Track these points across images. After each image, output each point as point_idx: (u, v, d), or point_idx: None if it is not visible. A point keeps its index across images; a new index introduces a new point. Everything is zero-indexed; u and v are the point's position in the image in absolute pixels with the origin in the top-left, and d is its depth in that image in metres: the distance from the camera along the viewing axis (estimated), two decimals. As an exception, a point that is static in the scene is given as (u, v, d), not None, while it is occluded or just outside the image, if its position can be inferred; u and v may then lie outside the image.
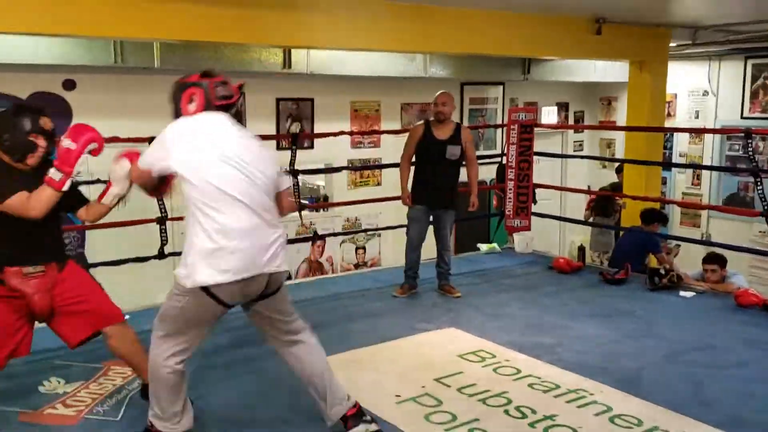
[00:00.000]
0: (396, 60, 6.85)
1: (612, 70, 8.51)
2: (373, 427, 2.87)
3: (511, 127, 6.22)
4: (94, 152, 2.78)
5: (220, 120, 2.70)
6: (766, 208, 4.86)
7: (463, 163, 4.92)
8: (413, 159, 4.95)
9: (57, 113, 5.82)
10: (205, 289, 2.56)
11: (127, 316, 4.46)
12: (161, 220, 4.63)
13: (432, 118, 4.90)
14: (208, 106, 2.70)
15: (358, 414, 2.87)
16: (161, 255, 4.65)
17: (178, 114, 2.76)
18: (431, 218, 4.96)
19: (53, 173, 2.72)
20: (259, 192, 2.65)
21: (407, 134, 5.07)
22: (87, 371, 3.61)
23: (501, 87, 8.61)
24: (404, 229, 6.16)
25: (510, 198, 6.25)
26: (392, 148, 7.60)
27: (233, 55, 5.97)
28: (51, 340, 4.03)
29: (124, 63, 5.55)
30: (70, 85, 5.93)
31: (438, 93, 4.91)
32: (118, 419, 3.11)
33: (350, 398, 2.89)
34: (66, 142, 2.75)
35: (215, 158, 2.57)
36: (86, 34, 4.56)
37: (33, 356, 3.78)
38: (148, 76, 6.06)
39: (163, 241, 4.68)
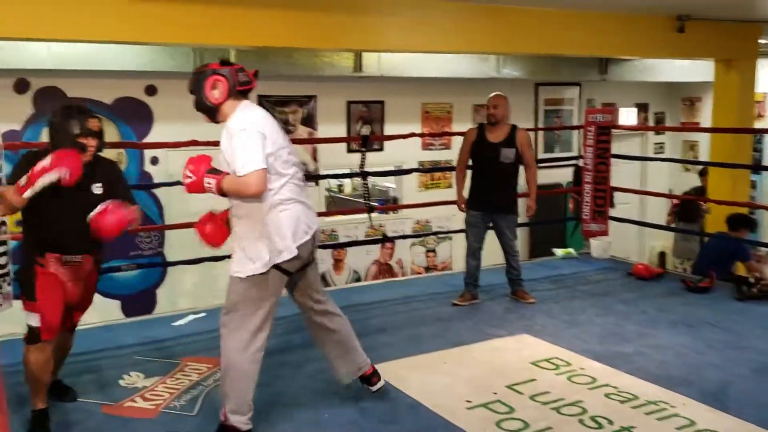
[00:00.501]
0: (468, 61, 6.79)
1: (695, 69, 8.14)
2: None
3: (588, 128, 6.05)
4: (63, 181, 2.63)
5: (262, 110, 2.96)
6: None
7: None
8: (469, 163, 4.87)
9: (139, 117, 6.09)
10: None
11: (203, 314, 4.63)
12: (236, 221, 4.72)
13: (486, 121, 4.81)
14: (231, 92, 2.83)
15: (376, 371, 3.28)
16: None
17: (202, 102, 2.87)
18: (490, 224, 4.85)
19: (22, 179, 2.62)
20: None
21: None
22: (164, 367, 3.73)
23: (577, 87, 8.39)
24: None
25: (587, 202, 6.07)
26: (464, 150, 7.55)
27: (305, 59, 6.06)
28: (131, 336, 4.21)
29: (204, 69, 5.71)
30: (151, 90, 6.16)
31: (491, 95, 4.81)
32: (194, 414, 3.19)
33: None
34: (44, 162, 2.61)
35: (284, 141, 2.92)
36: (168, 41, 4.74)
37: (114, 351, 3.97)
38: (225, 80, 6.23)
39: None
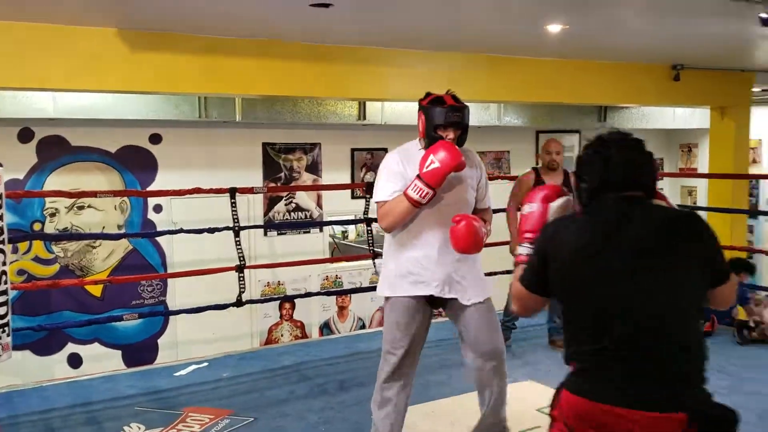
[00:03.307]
0: (471, 109, 6.87)
1: (692, 117, 8.27)
2: None
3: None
4: None
5: None
6: None
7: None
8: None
9: (144, 165, 6.17)
10: None
11: (205, 363, 4.61)
12: (240, 268, 4.75)
13: (540, 166, 4.83)
14: None
15: None
16: (239, 303, 4.77)
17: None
18: None
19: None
20: None
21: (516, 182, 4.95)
22: (166, 417, 3.70)
23: (577, 135, 8.51)
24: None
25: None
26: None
27: (310, 108, 6.18)
28: (132, 387, 4.19)
29: (207, 117, 5.83)
30: (155, 139, 6.26)
31: (548, 140, 4.84)
32: (197, 465, 3.16)
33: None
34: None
35: None
36: (172, 91, 4.85)
37: (115, 402, 3.94)
38: (230, 129, 6.34)
39: (242, 289, 4.80)
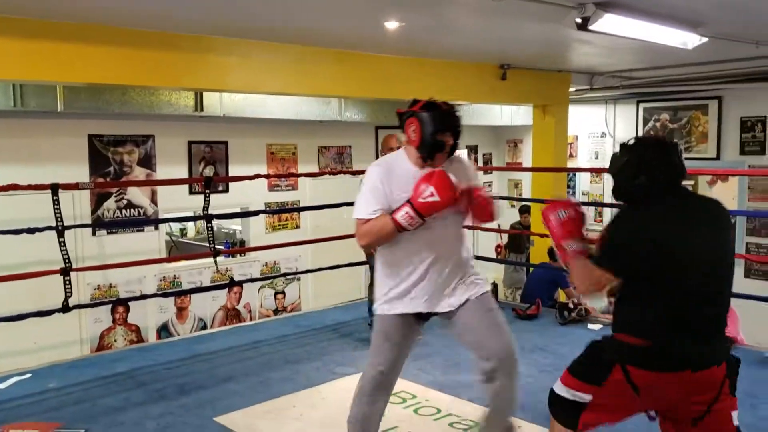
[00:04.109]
0: (312, 103, 6.90)
1: (517, 114, 8.90)
2: None
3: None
4: None
5: None
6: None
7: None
8: None
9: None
10: None
11: (27, 375, 4.22)
12: (65, 271, 4.37)
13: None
14: None
15: None
16: (65, 308, 4.39)
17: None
18: None
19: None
20: None
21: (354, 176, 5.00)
22: (-19, 437, 3.34)
23: (413, 130, 8.81)
24: (324, 272, 6.14)
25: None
26: (310, 190, 7.61)
27: (142, 98, 5.84)
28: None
29: (24, 107, 5.32)
30: (-36, 129, 5.61)
31: (387, 136, 4.90)
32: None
33: None
34: None
35: None
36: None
37: None
38: (51, 120, 5.83)
39: (68, 294, 4.42)
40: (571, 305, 5.45)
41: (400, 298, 2.79)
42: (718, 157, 7.56)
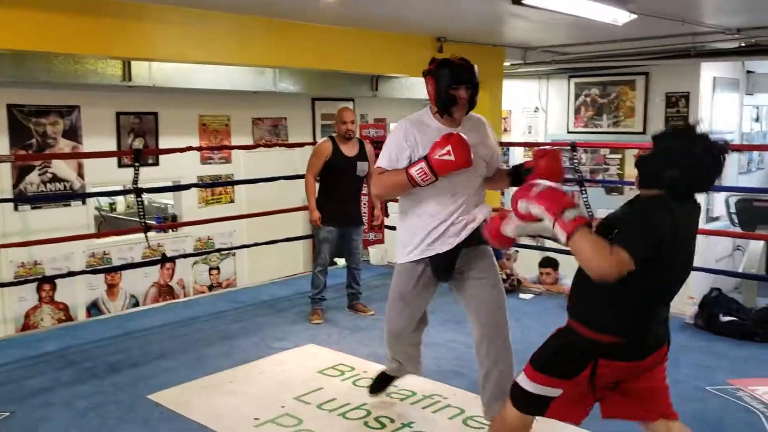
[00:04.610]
0: (246, 73, 6.74)
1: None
2: None
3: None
4: None
5: None
6: (590, 214, 5.35)
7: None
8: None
9: None
10: None
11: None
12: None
13: (336, 135, 4.80)
14: None
15: None
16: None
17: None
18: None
19: None
20: None
21: (311, 152, 4.89)
22: None
23: (351, 103, 8.76)
24: (260, 247, 6.06)
25: (364, 213, 6.35)
26: (244, 163, 7.47)
27: (66, 66, 5.56)
28: None
29: (-66, 75, 4.99)
30: None
31: (342, 109, 4.83)
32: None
33: None
34: None
35: None
36: None
37: None
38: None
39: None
40: (503, 276, 5.58)
41: (420, 246, 2.91)
42: (644, 132, 7.82)
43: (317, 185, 4.84)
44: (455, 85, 2.80)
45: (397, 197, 3.04)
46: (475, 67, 2.91)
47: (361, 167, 4.77)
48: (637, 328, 2.20)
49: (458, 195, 2.88)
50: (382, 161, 2.88)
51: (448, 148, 2.68)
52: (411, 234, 2.94)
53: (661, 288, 2.21)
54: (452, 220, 2.88)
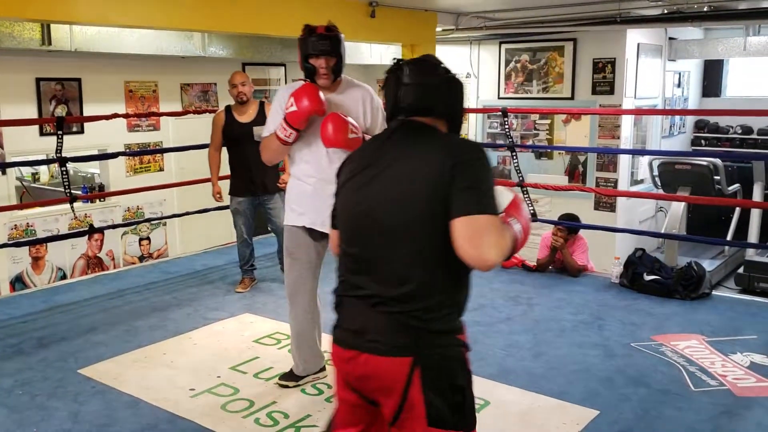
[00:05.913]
0: (173, 38, 6.51)
1: (387, 53, 8.91)
2: None
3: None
4: None
5: None
6: (520, 178, 5.49)
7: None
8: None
9: None
10: None
11: None
12: None
13: (233, 102, 4.69)
14: None
15: None
16: None
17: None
18: (258, 208, 4.76)
19: None
20: None
21: (211, 122, 4.78)
22: None
23: (283, 68, 8.61)
24: (192, 216, 5.96)
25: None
26: (173, 130, 7.27)
27: (-23, 29, 5.25)
28: None
29: None
30: None
31: (233, 73, 4.69)
32: None
33: None
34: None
35: None
36: None
37: None
38: None
39: None
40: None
41: (294, 211, 3.10)
42: (572, 97, 8.02)
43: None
44: (313, 55, 2.94)
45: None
46: (341, 36, 3.04)
47: (258, 132, 4.49)
48: None
49: (335, 157, 2.93)
50: (268, 128, 3.05)
51: (291, 99, 2.87)
52: (288, 196, 3.14)
53: None
54: (315, 187, 3.00)
